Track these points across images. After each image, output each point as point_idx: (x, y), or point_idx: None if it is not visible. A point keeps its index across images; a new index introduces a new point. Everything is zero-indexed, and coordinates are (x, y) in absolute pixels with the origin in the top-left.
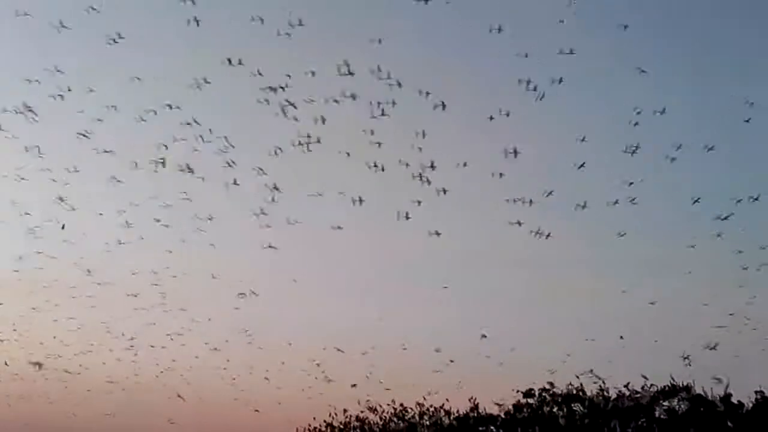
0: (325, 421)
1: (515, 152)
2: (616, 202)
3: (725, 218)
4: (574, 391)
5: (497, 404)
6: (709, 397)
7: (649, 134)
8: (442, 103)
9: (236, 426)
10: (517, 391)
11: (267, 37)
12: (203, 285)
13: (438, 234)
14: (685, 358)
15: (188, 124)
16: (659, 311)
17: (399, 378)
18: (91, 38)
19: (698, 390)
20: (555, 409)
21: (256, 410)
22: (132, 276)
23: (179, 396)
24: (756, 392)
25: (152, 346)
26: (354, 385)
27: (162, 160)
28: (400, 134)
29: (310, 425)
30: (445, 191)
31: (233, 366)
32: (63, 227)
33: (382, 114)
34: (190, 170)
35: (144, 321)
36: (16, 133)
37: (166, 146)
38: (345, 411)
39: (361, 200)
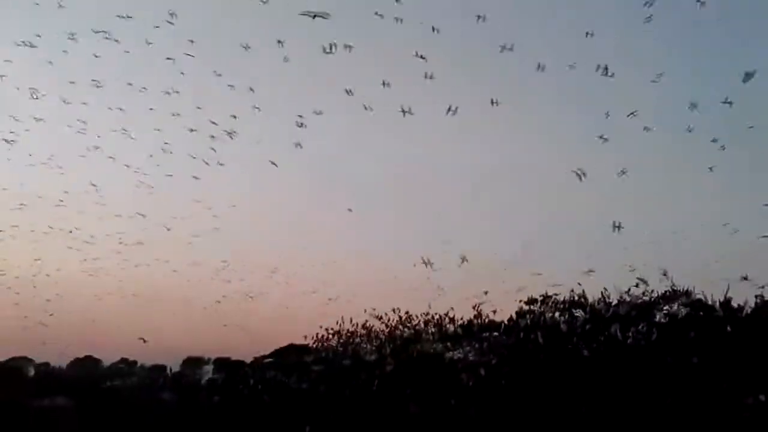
0: (332, 329)
1: None
2: None
3: None
4: (576, 298)
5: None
6: (709, 302)
7: None
8: None
9: (247, 334)
10: (520, 301)
11: None
12: None
13: None
14: None
15: None
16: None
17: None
18: None
19: (698, 295)
20: (557, 315)
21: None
22: None
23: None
24: (756, 296)
25: None
26: None
27: None
28: None
29: (317, 334)
30: None
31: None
32: None
33: None
34: None
35: None
36: None
37: None
38: (351, 319)
39: None
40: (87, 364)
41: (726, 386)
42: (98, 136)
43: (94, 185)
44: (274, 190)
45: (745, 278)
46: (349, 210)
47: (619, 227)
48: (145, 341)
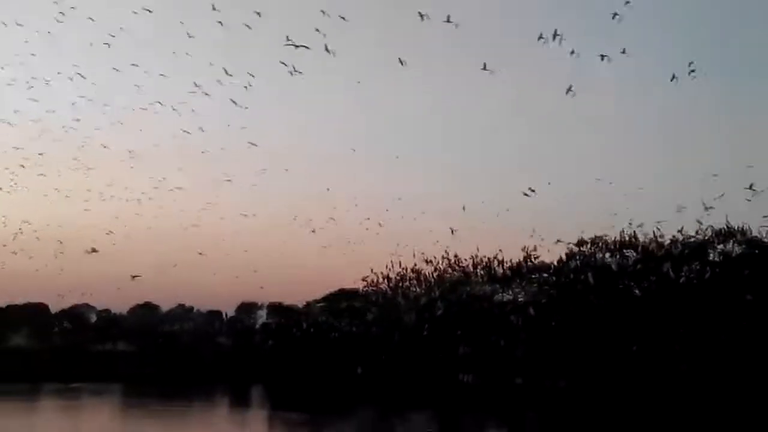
0: (381, 274)
1: None
2: None
3: None
4: (627, 238)
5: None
6: (765, 240)
7: None
8: None
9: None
10: (569, 243)
11: None
12: None
13: None
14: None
15: None
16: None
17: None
18: None
19: (754, 233)
20: (608, 256)
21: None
22: None
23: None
24: None
25: None
26: None
27: None
28: None
29: (367, 278)
30: None
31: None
32: None
33: None
34: None
35: None
36: None
37: None
38: (400, 263)
39: None
40: (146, 310)
41: None
42: None
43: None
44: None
45: None
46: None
47: None
48: (134, 277)
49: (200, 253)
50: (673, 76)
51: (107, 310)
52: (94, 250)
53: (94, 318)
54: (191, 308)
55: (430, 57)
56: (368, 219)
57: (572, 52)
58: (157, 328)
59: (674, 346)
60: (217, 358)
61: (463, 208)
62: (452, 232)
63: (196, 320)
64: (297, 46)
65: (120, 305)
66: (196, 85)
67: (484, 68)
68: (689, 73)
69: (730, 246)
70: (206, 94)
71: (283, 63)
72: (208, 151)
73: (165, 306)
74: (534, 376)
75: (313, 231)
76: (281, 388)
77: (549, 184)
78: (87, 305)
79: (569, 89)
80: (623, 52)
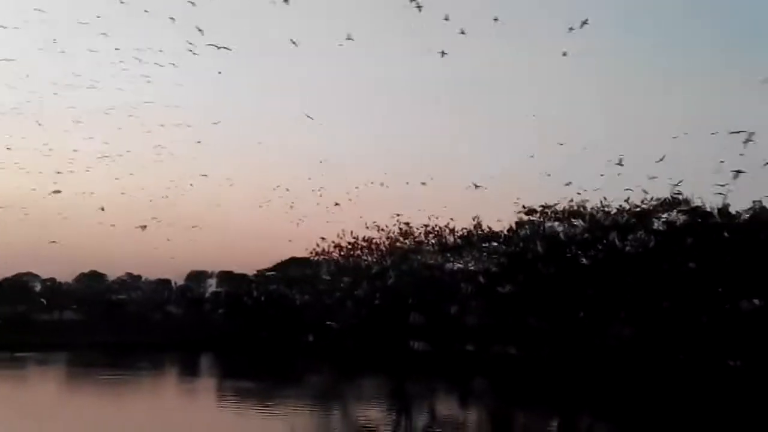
0: (333, 242)
1: None
2: None
3: None
4: (575, 207)
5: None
6: (707, 209)
7: None
8: None
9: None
10: (518, 212)
11: None
12: None
13: None
14: None
15: None
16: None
17: None
18: None
19: (697, 202)
20: (556, 225)
21: None
22: None
23: None
24: (753, 202)
25: None
26: None
27: None
28: None
29: (317, 245)
30: None
31: None
32: None
33: None
34: None
35: None
36: None
37: None
38: (352, 232)
39: None
40: (92, 279)
41: (722, 290)
42: None
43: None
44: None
45: (739, 172)
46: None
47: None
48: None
49: (143, 227)
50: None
51: (52, 279)
52: None
53: (39, 287)
54: (139, 276)
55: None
56: (322, 188)
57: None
58: (104, 297)
59: (620, 312)
60: (167, 326)
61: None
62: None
63: (145, 289)
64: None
65: (65, 274)
66: None
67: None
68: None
69: (674, 215)
70: None
71: None
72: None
73: (112, 275)
74: (484, 343)
75: (268, 201)
76: (232, 357)
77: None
78: (31, 274)
79: None
80: None
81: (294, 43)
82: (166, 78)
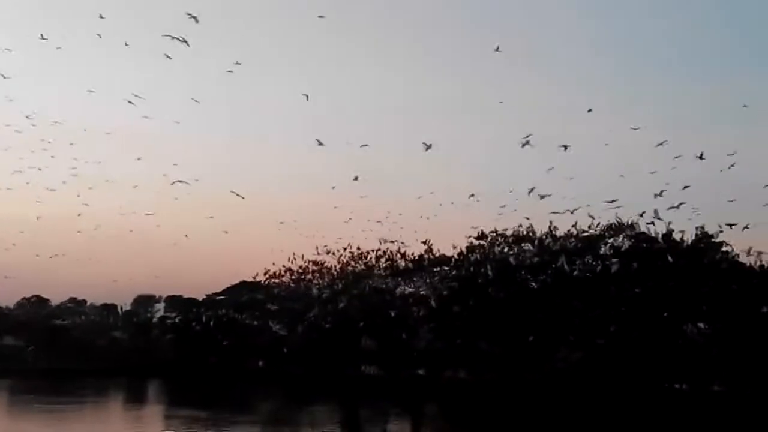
0: (284, 266)
1: None
2: None
3: None
4: (524, 232)
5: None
6: (652, 234)
7: None
8: None
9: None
10: (468, 236)
11: None
12: None
13: None
14: None
15: None
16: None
17: None
18: None
19: (642, 228)
20: (506, 249)
21: None
22: None
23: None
24: (696, 228)
25: None
26: None
27: None
28: None
29: (268, 270)
30: None
31: None
32: None
33: None
34: None
35: None
36: None
37: None
38: (303, 256)
39: None
40: (35, 304)
41: (666, 315)
42: None
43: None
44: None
45: (660, 194)
46: None
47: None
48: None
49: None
50: None
51: None
52: None
53: None
54: (84, 301)
55: None
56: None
57: None
58: (47, 322)
59: (568, 336)
60: (113, 352)
61: None
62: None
63: (90, 314)
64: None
65: (6, 298)
66: None
67: None
68: None
69: (620, 240)
70: None
71: None
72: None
73: (55, 299)
74: (436, 368)
75: (211, 217)
76: (180, 383)
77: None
78: None
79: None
80: None
81: None
82: None
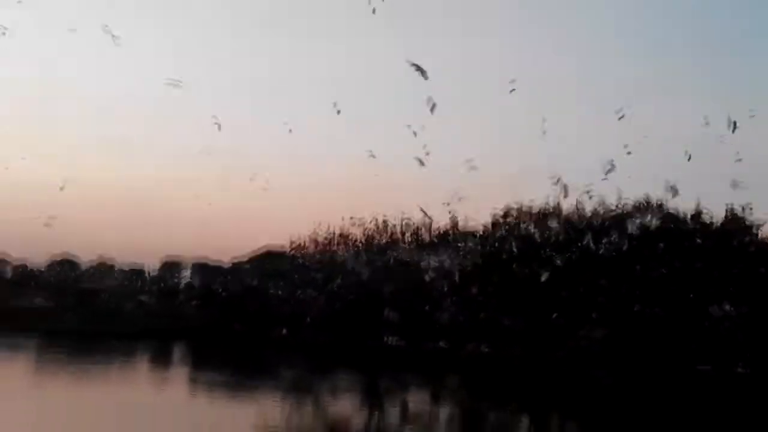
0: (309, 236)
1: None
2: None
3: None
4: (551, 209)
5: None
6: (681, 214)
7: None
8: None
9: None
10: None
11: None
12: None
13: None
14: None
15: None
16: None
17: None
18: None
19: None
20: (531, 227)
21: None
22: None
23: None
24: (726, 208)
25: None
26: None
27: None
28: None
29: (293, 241)
30: None
31: None
32: None
33: None
34: None
35: None
36: None
37: None
38: (329, 226)
39: None
40: (65, 266)
41: (692, 296)
42: None
43: None
44: None
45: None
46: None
47: None
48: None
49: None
50: None
51: (23, 265)
52: None
53: (9, 272)
54: (112, 266)
55: None
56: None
57: None
58: (76, 286)
59: (592, 314)
60: (140, 316)
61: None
62: None
63: (118, 278)
64: None
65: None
66: None
67: None
68: None
69: (647, 219)
70: None
71: None
72: None
73: (85, 258)
74: (458, 341)
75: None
76: (205, 349)
77: None
78: (2, 259)
79: None
80: None
81: None
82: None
